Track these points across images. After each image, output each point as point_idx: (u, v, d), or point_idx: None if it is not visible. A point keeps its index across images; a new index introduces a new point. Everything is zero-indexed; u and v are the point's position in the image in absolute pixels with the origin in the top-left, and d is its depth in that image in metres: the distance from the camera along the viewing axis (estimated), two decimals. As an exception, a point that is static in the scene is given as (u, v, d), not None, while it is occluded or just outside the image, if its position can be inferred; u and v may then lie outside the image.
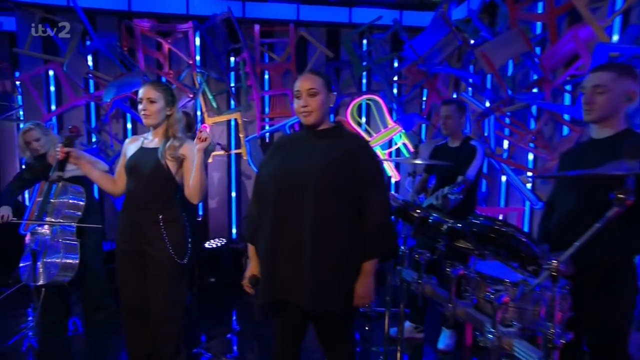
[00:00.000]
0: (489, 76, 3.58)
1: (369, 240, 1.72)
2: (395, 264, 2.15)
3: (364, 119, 4.66)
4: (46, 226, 3.05)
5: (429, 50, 3.58)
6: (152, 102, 2.10)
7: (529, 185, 3.23)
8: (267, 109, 4.48)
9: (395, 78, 4.62)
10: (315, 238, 1.66)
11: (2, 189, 3.17)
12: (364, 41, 4.55)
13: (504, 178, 3.67)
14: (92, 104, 4.28)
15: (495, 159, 3.26)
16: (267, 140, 4.53)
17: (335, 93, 1.81)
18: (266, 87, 4.54)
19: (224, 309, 3.80)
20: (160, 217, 2.14)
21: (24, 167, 3.19)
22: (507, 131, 3.58)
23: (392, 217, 1.93)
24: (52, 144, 3.15)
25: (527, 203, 3.32)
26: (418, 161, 2.44)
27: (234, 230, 4.69)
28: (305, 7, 4.33)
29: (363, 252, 1.72)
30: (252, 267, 1.93)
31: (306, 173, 1.69)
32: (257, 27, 4.06)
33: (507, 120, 3.49)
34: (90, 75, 4.14)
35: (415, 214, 1.85)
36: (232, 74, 4.44)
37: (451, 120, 2.73)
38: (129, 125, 4.36)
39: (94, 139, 4.32)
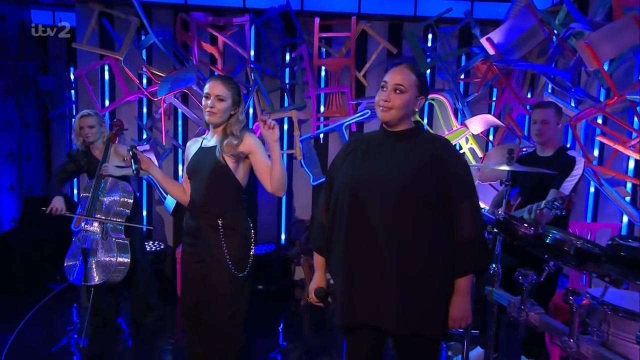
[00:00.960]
0: (580, 73, 3.20)
1: (460, 255, 1.53)
2: (479, 281, 1.88)
3: (425, 120, 4.35)
4: (96, 224, 2.97)
5: (509, 45, 3.24)
6: (220, 99, 1.96)
7: (627, 198, 2.82)
8: (322, 108, 4.27)
9: (462, 76, 4.29)
10: (399, 254, 1.50)
11: (51, 181, 3.14)
12: (429, 36, 4.26)
13: (592, 189, 3.26)
14: (145, 99, 4.24)
15: (590, 166, 2.88)
16: (321, 141, 4.32)
17: (422, 97, 1.60)
18: (322, 85, 4.33)
19: (272, 318, 3.62)
20: (220, 222, 1.98)
21: (66, 157, 3.15)
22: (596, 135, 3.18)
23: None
24: (102, 135, 3.10)
25: (625, 218, 2.91)
26: (508, 168, 2.10)
27: (283, 236, 4.51)
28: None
29: (454, 268, 1.53)
30: (319, 279, 1.79)
31: (385, 180, 1.53)
32: (317, 20, 3.87)
33: (600, 122, 3.09)
34: (144, 70, 4.09)
35: (526, 230, 1.58)
36: (287, 70, 4.26)
37: (548, 126, 2.39)
38: (180, 122, 4.28)
39: (144, 136, 4.27)
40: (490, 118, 3.71)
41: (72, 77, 4.91)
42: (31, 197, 4.76)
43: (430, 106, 4.34)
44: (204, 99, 1.98)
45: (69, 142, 4.98)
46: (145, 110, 4.27)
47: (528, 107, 4.19)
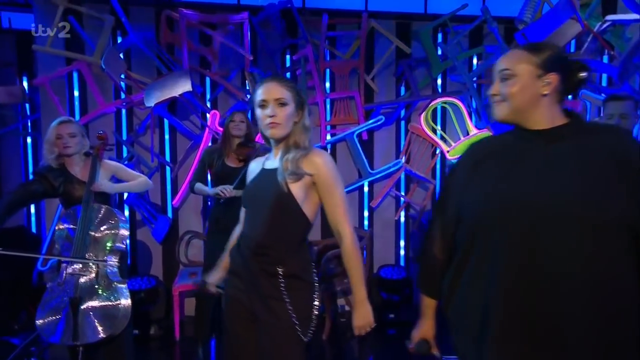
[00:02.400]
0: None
1: None
2: None
3: (438, 126, 4.10)
4: (93, 266, 2.41)
5: (546, 39, 3.04)
6: (282, 104, 1.55)
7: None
8: (328, 115, 3.91)
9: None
10: (589, 306, 1.07)
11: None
12: (439, 35, 4.03)
13: None
14: (124, 111, 3.69)
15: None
16: (329, 151, 3.95)
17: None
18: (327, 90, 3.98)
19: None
20: (280, 270, 1.55)
21: (32, 175, 2.56)
22: None
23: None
24: (82, 148, 2.56)
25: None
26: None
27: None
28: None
29: None
30: (425, 328, 1.47)
31: (552, 200, 1.10)
32: (325, 17, 3.52)
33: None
34: (123, 76, 3.55)
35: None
36: (288, 74, 3.87)
37: (627, 121, 2.18)
38: (167, 136, 3.75)
39: (125, 153, 3.71)
40: None
41: (25, 86, 4.23)
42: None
43: (444, 110, 4.10)
44: (258, 109, 1.57)
45: (23, 164, 4.29)
46: (124, 123, 3.71)
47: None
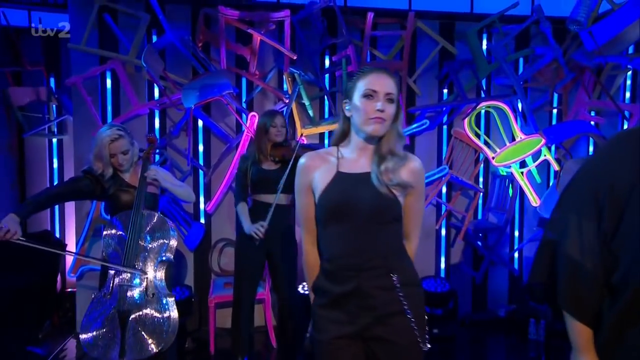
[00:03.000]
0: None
1: None
2: None
3: (482, 130, 3.94)
4: (142, 277, 2.27)
5: (610, 40, 2.89)
6: (391, 100, 1.42)
7: None
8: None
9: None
10: None
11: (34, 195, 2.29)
12: (483, 36, 3.88)
13: None
14: (157, 112, 3.56)
15: None
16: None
17: None
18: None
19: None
20: (396, 280, 1.41)
21: (83, 173, 2.38)
22: None
23: None
24: (135, 157, 2.44)
25: None
26: None
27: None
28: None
29: None
30: None
31: None
32: (370, 15, 3.38)
33: None
34: (152, 76, 3.44)
35: None
36: (327, 76, 3.73)
37: None
38: (201, 138, 3.62)
39: (157, 157, 3.59)
40: (583, 126, 3.34)
41: (52, 87, 4.14)
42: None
43: (487, 114, 3.94)
44: (363, 99, 1.40)
45: (48, 167, 4.19)
46: (157, 124, 3.59)
47: (593, 113, 3.90)
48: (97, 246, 3.53)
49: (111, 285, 2.25)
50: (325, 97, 3.67)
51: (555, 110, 3.98)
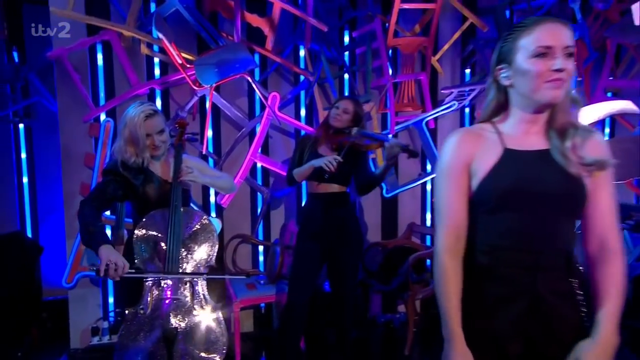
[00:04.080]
0: None
1: None
2: None
3: (503, 113, 3.79)
4: (187, 283, 1.92)
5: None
6: (570, 55, 1.13)
7: None
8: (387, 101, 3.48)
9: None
10: None
11: (81, 215, 1.81)
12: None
13: None
14: (158, 92, 3.10)
15: None
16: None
17: None
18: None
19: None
20: (577, 286, 1.17)
21: (106, 175, 1.95)
22: None
23: None
24: (167, 141, 2.05)
25: None
26: None
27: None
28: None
29: None
30: None
31: None
32: (402, -14, 3.09)
33: None
34: (157, 49, 2.97)
35: None
36: (347, 54, 3.41)
37: None
38: (211, 122, 3.20)
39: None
40: (612, 106, 3.25)
41: (15, 62, 3.52)
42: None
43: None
44: (533, 60, 1.11)
45: (14, 156, 3.59)
46: (159, 107, 3.12)
47: (610, 94, 3.86)
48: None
49: (149, 298, 1.87)
50: (346, 76, 3.37)
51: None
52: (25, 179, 3.61)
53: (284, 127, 3.27)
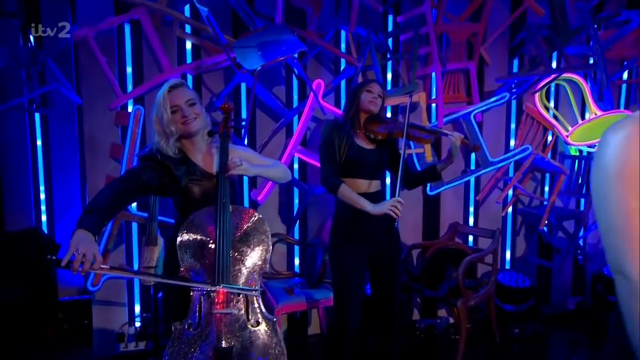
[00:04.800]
0: None
1: None
2: None
3: (551, 104, 3.54)
4: (240, 295, 1.66)
5: None
6: None
7: None
8: (433, 92, 3.22)
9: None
10: None
11: (94, 197, 1.51)
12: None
13: None
14: (191, 77, 2.84)
15: None
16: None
17: None
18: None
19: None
20: None
21: (143, 161, 1.69)
22: None
23: None
24: (207, 124, 1.77)
25: None
26: None
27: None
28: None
29: None
30: None
31: None
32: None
33: None
34: (189, 30, 2.71)
35: None
36: (390, 40, 3.15)
37: None
38: (244, 111, 2.94)
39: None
40: None
41: (31, 46, 3.25)
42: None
43: (557, 88, 3.54)
44: None
45: (30, 147, 3.32)
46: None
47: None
48: (121, 249, 2.81)
49: (198, 313, 1.61)
50: (390, 63, 3.11)
51: (624, 85, 3.65)
52: (41, 173, 3.35)
53: (320, 116, 3.01)
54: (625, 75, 3.63)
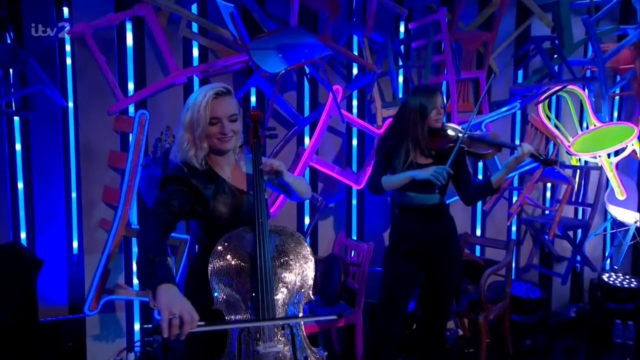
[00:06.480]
0: None
1: None
2: None
3: (552, 114, 3.51)
4: (284, 327, 1.44)
5: None
6: None
7: None
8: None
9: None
10: None
11: (142, 237, 1.33)
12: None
13: None
14: (197, 81, 2.59)
15: None
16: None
17: None
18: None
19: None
20: None
21: (169, 184, 1.43)
22: None
23: None
24: (238, 143, 1.54)
25: None
26: None
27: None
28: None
29: None
30: None
31: None
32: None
33: None
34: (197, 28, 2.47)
35: None
36: (402, 47, 3.00)
37: None
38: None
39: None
40: None
41: (10, 42, 2.88)
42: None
43: (558, 99, 3.51)
44: None
45: (7, 154, 2.93)
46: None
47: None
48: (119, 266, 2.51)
49: (237, 352, 1.37)
50: (401, 70, 2.96)
51: (617, 97, 3.67)
52: (20, 181, 2.97)
53: (334, 125, 2.83)
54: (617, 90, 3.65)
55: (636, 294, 3.23)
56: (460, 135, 1.93)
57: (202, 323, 1.17)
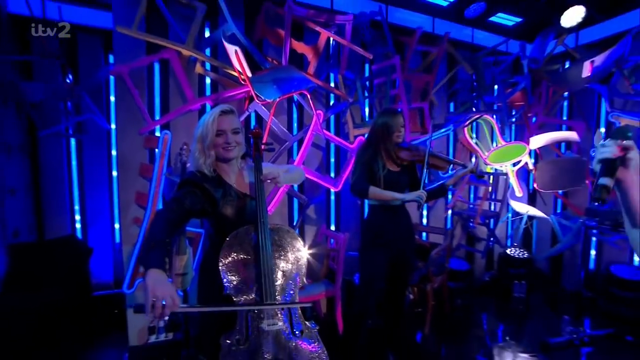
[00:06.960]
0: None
1: None
2: None
3: (474, 134, 3.31)
4: (278, 313, 1.16)
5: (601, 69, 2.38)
6: None
7: None
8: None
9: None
10: None
11: (152, 225, 1.04)
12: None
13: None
14: (208, 107, 2.29)
15: None
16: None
17: None
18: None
19: None
20: None
21: (184, 186, 1.17)
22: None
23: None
24: (243, 149, 1.27)
25: None
26: None
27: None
28: (440, 21, 2.88)
29: None
30: None
31: None
32: (419, 31, 2.51)
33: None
34: (209, 67, 2.18)
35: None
36: (367, 83, 2.76)
37: None
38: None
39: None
40: (557, 135, 2.85)
41: (69, 82, 2.54)
42: (19, 244, 2.28)
43: (477, 124, 3.31)
44: None
45: (66, 170, 2.59)
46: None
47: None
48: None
49: (245, 329, 1.09)
50: (367, 100, 2.72)
51: (514, 125, 3.50)
52: (75, 188, 2.62)
53: (316, 141, 2.56)
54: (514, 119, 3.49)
55: (527, 262, 3.07)
56: (424, 152, 1.71)
57: (185, 305, 1.01)
